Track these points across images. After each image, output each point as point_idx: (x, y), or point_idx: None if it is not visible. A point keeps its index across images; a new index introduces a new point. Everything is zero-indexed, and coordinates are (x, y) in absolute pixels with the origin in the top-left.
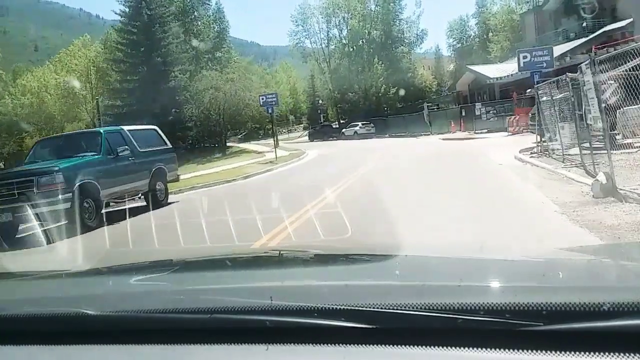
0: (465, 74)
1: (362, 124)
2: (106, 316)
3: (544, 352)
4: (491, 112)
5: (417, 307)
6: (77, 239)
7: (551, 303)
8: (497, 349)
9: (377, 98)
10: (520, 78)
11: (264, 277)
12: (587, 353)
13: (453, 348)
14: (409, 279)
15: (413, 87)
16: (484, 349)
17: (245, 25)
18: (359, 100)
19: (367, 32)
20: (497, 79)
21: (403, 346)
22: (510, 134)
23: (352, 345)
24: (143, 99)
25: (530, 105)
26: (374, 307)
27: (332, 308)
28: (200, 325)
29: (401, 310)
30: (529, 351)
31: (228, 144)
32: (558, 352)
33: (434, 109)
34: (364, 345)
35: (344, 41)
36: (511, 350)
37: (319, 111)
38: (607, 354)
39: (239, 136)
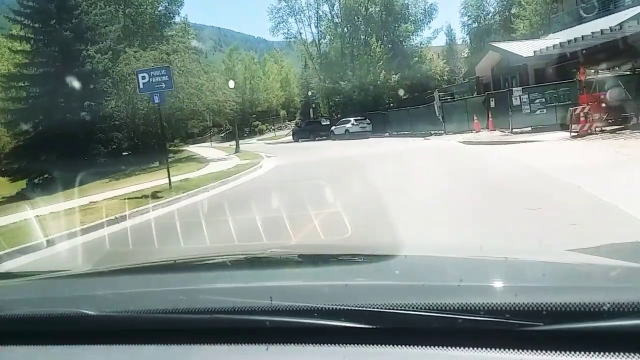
0: (487, 55)
1: (356, 120)
2: (106, 316)
3: (544, 352)
4: (538, 100)
5: (417, 307)
6: None
7: (551, 303)
8: (497, 349)
9: (375, 87)
10: (573, 50)
11: (264, 277)
12: (587, 353)
13: (453, 348)
14: (409, 278)
15: (420, 75)
16: (484, 349)
17: (251, 20)
18: (352, 90)
19: (363, 7)
20: (536, 54)
21: (403, 346)
22: (575, 134)
23: (352, 345)
24: (50, 89)
25: (598, 90)
26: (374, 307)
27: (332, 308)
28: (200, 325)
29: (401, 310)
30: (529, 351)
31: (183, 147)
32: (558, 352)
33: (447, 99)
34: (364, 345)
35: (336, 19)
36: (511, 350)
37: (311, 105)
38: (607, 354)
39: (223, 134)
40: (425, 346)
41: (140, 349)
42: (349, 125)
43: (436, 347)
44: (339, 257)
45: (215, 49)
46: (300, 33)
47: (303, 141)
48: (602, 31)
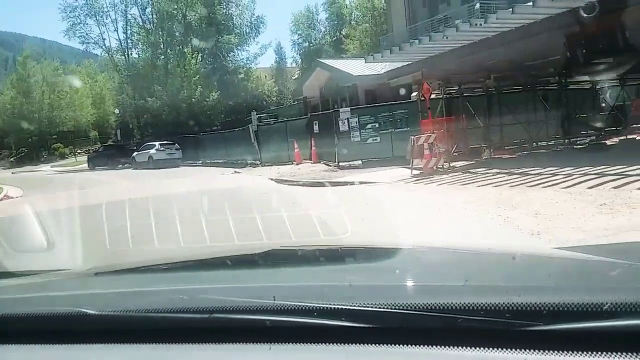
0: (315, 73)
1: (162, 145)
2: (106, 316)
3: (544, 352)
4: (370, 126)
5: (417, 307)
6: None
7: (551, 303)
8: (497, 349)
9: (189, 106)
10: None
11: (266, 276)
12: (587, 353)
13: (453, 348)
14: (409, 278)
15: (245, 94)
16: (484, 349)
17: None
18: (162, 108)
19: (180, 13)
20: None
21: (403, 346)
22: (418, 173)
23: (355, 344)
24: None
25: (445, 114)
26: (377, 307)
27: (336, 308)
28: (202, 325)
29: (402, 310)
30: (529, 351)
31: None
32: (558, 352)
33: (270, 122)
34: (367, 344)
35: (147, 25)
36: (511, 350)
37: (118, 125)
38: (607, 354)
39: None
40: (426, 346)
41: (140, 348)
42: (152, 151)
43: (436, 346)
44: (340, 256)
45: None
46: (104, 39)
47: (100, 169)
48: (446, 36)
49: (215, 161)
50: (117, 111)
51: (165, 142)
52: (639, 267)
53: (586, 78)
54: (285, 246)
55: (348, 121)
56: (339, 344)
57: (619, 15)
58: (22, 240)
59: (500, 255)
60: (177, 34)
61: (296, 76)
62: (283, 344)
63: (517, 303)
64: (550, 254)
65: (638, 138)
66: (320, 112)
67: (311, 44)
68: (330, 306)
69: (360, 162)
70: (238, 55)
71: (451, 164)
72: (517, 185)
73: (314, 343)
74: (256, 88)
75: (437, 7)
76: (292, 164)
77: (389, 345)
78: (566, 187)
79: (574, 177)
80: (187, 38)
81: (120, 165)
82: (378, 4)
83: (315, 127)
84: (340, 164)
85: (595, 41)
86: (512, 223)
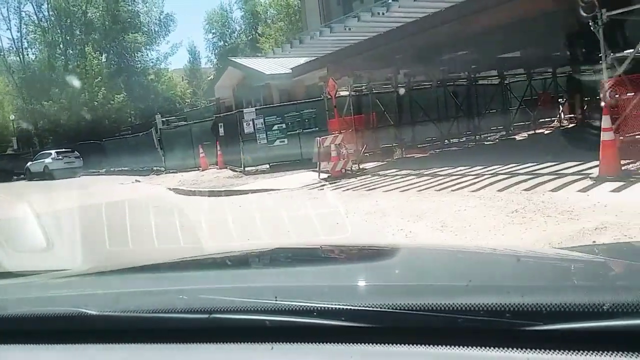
0: (226, 72)
1: (58, 154)
2: (106, 316)
3: (544, 352)
4: (276, 127)
5: (418, 307)
6: None
7: (551, 303)
8: (497, 349)
9: (92, 109)
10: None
11: (267, 275)
12: (587, 353)
13: (453, 348)
14: (410, 279)
15: (156, 96)
16: (484, 349)
17: None
18: (61, 113)
19: (80, 10)
20: (282, 74)
21: (404, 345)
22: (325, 177)
23: (354, 344)
24: None
25: (354, 113)
26: (376, 307)
27: (336, 308)
28: (202, 325)
29: (403, 310)
30: (529, 351)
31: None
32: (558, 352)
33: (176, 125)
34: (367, 344)
35: (43, 23)
36: (511, 350)
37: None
38: (607, 354)
39: None
40: (426, 346)
41: (140, 348)
42: (48, 160)
43: (436, 346)
44: (341, 256)
45: None
46: None
47: None
48: (348, 27)
49: (121, 169)
50: (12, 117)
51: (63, 150)
52: (639, 267)
53: (494, 73)
54: (285, 246)
55: (253, 122)
56: (339, 344)
57: (522, 6)
58: None
59: (501, 255)
60: (77, 32)
61: (211, 77)
62: (284, 343)
63: (518, 303)
64: (550, 254)
65: (546, 132)
66: (224, 114)
67: (226, 43)
68: (331, 306)
69: (267, 166)
70: (147, 55)
71: (361, 166)
72: (425, 188)
73: (315, 343)
74: (168, 90)
75: (351, 5)
76: (199, 169)
77: (390, 345)
78: (476, 190)
79: (484, 177)
80: (89, 37)
81: (15, 177)
82: (293, 1)
83: (221, 130)
84: (247, 169)
85: (500, 33)
86: (415, 239)
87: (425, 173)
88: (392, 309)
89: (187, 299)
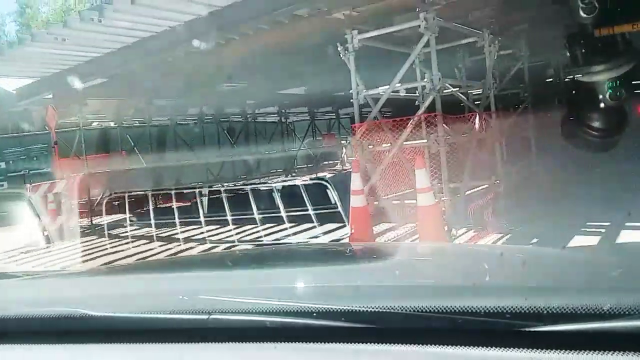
0: None
1: None
2: (106, 316)
3: (544, 352)
4: None
5: (418, 308)
6: None
7: (552, 304)
8: (497, 349)
9: None
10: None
11: (267, 276)
12: (587, 353)
13: (453, 348)
14: (410, 279)
15: None
16: (483, 349)
17: None
18: None
19: None
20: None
21: (405, 345)
22: (46, 234)
23: (355, 344)
24: None
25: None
26: (377, 308)
27: (336, 308)
28: (202, 325)
29: (403, 310)
30: (529, 351)
31: None
32: (558, 352)
33: None
34: (367, 344)
35: None
36: (511, 350)
37: None
38: (607, 354)
39: None
40: (426, 345)
41: (140, 349)
42: None
43: (436, 346)
44: (342, 256)
45: None
46: None
47: None
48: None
49: None
50: None
51: None
52: (639, 267)
53: (272, 110)
54: (286, 246)
55: None
56: (340, 344)
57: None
58: None
59: (501, 256)
60: None
61: None
62: (284, 343)
63: (518, 304)
64: (550, 255)
65: (328, 175)
66: None
67: None
68: (332, 307)
69: None
70: None
71: (94, 222)
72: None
73: (316, 343)
74: None
75: None
76: None
77: (391, 345)
78: None
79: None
80: None
81: None
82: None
83: None
84: None
85: (277, 62)
86: None
87: (163, 235)
88: (394, 309)
89: (188, 299)
